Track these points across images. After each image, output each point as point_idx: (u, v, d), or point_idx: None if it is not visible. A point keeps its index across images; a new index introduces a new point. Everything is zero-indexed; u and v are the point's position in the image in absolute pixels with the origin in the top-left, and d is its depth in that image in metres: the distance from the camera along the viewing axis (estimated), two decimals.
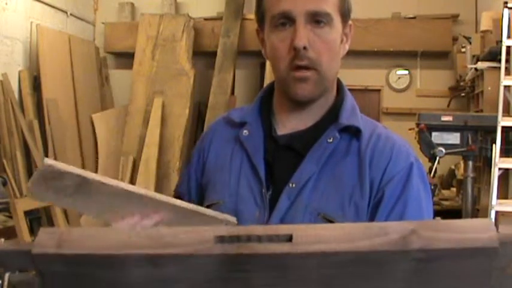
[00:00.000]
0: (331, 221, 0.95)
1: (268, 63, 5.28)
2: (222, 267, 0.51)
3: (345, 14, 1.02)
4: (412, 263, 0.49)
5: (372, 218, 0.95)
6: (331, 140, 1.01)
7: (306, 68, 0.97)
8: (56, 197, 0.77)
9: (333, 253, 0.49)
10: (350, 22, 1.06)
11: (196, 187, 1.13)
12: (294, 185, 0.98)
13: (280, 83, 1.04)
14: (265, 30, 1.03)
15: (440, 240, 0.48)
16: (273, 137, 1.05)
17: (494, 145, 3.36)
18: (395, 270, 0.50)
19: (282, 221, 0.97)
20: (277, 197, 0.99)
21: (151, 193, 0.83)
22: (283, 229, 0.52)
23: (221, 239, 0.52)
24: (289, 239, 0.50)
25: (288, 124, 1.06)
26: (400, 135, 1.06)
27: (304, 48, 0.96)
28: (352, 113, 1.05)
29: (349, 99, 1.07)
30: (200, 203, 1.08)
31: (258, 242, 0.51)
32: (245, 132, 1.06)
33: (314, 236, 0.51)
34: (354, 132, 1.02)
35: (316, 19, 0.97)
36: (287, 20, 0.98)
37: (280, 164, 1.02)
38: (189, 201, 1.06)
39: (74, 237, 0.55)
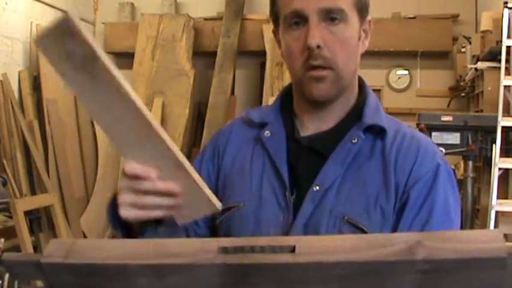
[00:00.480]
0: (356, 225, 0.92)
1: (268, 64, 5.29)
2: (225, 277, 0.51)
3: (362, 9, 0.99)
4: (417, 275, 0.48)
5: (397, 221, 0.93)
6: (355, 141, 0.97)
7: (322, 67, 0.94)
8: (60, 60, 0.71)
9: (336, 263, 0.48)
10: (369, 18, 1.02)
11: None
12: (318, 188, 0.95)
13: (296, 84, 1.02)
14: (280, 30, 1.01)
15: (445, 250, 0.47)
16: (295, 138, 1.02)
17: (494, 145, 3.36)
18: (400, 281, 0.49)
19: (306, 225, 0.94)
20: (301, 201, 0.96)
21: (152, 122, 0.74)
22: (287, 240, 0.52)
23: (225, 250, 0.52)
24: (292, 249, 0.50)
25: (310, 125, 1.03)
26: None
27: (318, 47, 0.93)
28: (375, 112, 1.01)
29: (372, 98, 1.04)
30: None
31: (260, 253, 0.51)
32: (267, 133, 1.03)
33: (317, 247, 0.50)
34: (378, 132, 0.99)
35: (330, 16, 0.94)
36: (300, 18, 0.95)
37: (303, 166, 0.99)
38: None
39: (81, 248, 0.56)
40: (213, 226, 1.06)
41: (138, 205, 0.81)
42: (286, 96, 1.08)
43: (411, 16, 5.53)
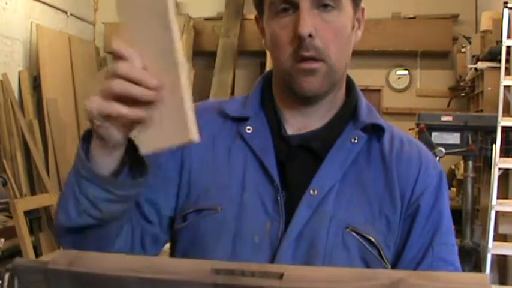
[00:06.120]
0: (361, 235, 0.85)
1: (268, 63, 5.30)
2: None
3: None
4: None
5: (404, 231, 0.88)
6: (356, 140, 0.89)
7: (313, 59, 0.85)
8: None
9: None
10: (362, 5, 0.93)
11: (173, 189, 0.93)
12: (315, 192, 0.85)
13: (283, 77, 0.90)
14: (265, 17, 0.90)
15: None
16: (283, 136, 0.91)
17: (494, 145, 3.36)
18: None
19: (301, 234, 0.84)
20: (292, 206, 0.86)
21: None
22: (277, 268, 0.54)
23: (217, 271, 0.55)
24: (280, 276, 0.52)
25: (295, 123, 0.93)
26: None
27: (310, 36, 0.83)
28: (369, 111, 0.93)
29: (363, 98, 0.96)
30: (173, 207, 0.93)
31: (250, 277, 0.53)
32: (248, 128, 0.92)
33: (304, 276, 0.52)
34: (373, 133, 0.91)
35: (323, 2, 0.84)
36: (289, 4, 0.85)
37: (294, 167, 0.89)
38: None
39: (85, 258, 0.60)
40: (173, 230, 0.94)
41: (105, 92, 0.68)
42: (266, 87, 0.97)
43: (411, 16, 5.54)
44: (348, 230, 0.85)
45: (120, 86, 0.67)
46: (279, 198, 0.86)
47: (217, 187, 0.89)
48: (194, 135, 0.67)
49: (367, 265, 0.86)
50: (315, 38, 0.84)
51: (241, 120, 0.93)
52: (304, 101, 0.91)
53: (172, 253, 0.96)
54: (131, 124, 0.71)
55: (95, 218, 0.79)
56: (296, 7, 0.84)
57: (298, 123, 0.93)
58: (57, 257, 0.60)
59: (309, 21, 0.83)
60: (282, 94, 0.94)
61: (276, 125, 0.93)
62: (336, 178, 0.87)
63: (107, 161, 0.76)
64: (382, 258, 0.86)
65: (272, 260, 0.84)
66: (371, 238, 0.85)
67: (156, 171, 0.91)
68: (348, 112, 0.93)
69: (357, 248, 0.85)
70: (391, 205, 0.87)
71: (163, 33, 0.66)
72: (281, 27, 0.86)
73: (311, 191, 0.85)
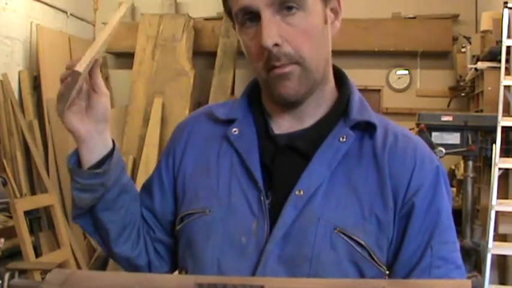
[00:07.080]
0: (350, 237, 0.83)
1: None
2: None
3: None
4: None
5: (400, 229, 0.85)
6: (344, 139, 0.87)
7: (285, 64, 0.83)
8: None
9: None
10: None
11: (170, 194, 0.99)
12: (302, 192, 0.84)
13: (263, 85, 0.91)
14: (236, 27, 0.89)
15: None
16: (271, 137, 0.91)
17: (494, 145, 3.36)
18: None
19: (288, 234, 0.83)
20: (279, 206, 0.85)
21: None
22: (258, 280, 0.57)
23: (200, 286, 0.58)
24: None
25: (284, 123, 0.92)
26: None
27: (277, 45, 0.81)
28: (362, 107, 0.91)
29: (356, 92, 0.93)
30: (171, 212, 0.98)
31: None
32: (234, 130, 0.92)
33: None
34: (365, 130, 0.89)
35: (286, 5, 0.81)
36: (251, 14, 0.83)
37: (280, 167, 0.88)
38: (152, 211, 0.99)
39: (78, 277, 0.63)
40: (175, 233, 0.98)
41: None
42: (254, 90, 0.97)
43: (411, 16, 5.54)
44: (336, 231, 0.83)
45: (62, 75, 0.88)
46: (262, 198, 0.85)
47: (207, 190, 0.91)
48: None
49: (357, 267, 0.84)
50: (283, 45, 0.82)
51: (229, 122, 0.94)
52: (288, 104, 0.89)
53: (176, 255, 0.99)
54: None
55: (76, 207, 0.93)
56: (259, 16, 0.82)
57: (287, 123, 0.92)
58: (52, 276, 0.63)
59: (273, 31, 0.81)
60: (268, 99, 0.94)
61: (263, 126, 0.92)
62: (323, 178, 0.85)
63: (86, 157, 0.89)
64: (374, 259, 0.84)
65: (258, 261, 0.84)
66: (360, 240, 0.84)
67: (154, 180, 1.01)
68: (340, 109, 0.92)
69: (345, 249, 0.84)
70: (382, 205, 0.85)
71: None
72: (249, 39, 0.85)
73: (297, 192, 0.84)
